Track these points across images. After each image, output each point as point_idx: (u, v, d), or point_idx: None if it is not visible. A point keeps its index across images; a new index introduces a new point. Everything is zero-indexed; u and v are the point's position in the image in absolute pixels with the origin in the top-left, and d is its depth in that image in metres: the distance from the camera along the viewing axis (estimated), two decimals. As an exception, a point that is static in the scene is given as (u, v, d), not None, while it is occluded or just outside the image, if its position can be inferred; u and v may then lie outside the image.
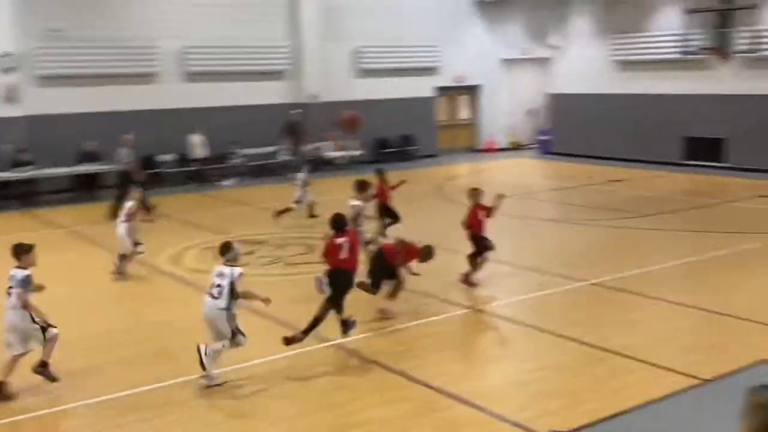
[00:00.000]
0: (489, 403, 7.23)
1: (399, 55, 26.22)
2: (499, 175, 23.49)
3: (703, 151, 22.66)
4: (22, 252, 7.77)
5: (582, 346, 8.64)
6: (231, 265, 7.86)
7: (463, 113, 29.27)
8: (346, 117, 18.57)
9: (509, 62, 28.93)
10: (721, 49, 19.12)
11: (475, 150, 29.21)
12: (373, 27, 25.87)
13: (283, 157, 24.01)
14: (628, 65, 24.61)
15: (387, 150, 26.43)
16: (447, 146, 28.54)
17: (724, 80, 22.17)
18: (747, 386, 4.04)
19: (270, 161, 23.90)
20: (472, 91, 28.98)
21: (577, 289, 10.97)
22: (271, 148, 23.86)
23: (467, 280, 11.20)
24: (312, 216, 16.41)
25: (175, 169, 22.46)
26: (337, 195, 20.66)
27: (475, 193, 11.20)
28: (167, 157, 22.25)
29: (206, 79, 22.91)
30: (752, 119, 21.49)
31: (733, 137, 21.99)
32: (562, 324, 9.40)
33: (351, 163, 25.14)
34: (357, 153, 25.15)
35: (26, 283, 7.60)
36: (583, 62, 25.88)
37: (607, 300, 10.45)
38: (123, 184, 16.50)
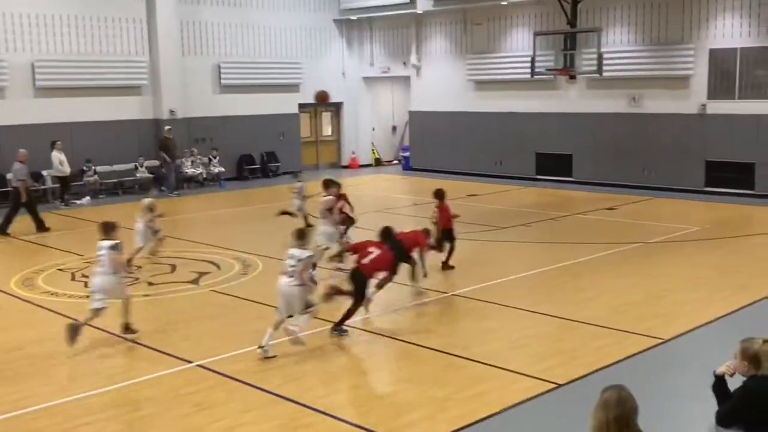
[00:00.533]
0: (354, 416, 7.29)
1: (261, 72, 26.09)
2: (363, 190, 23.73)
3: (553, 166, 23.84)
4: (109, 228, 9.59)
5: (442, 355, 8.87)
6: (302, 248, 9.03)
7: (327, 130, 29.45)
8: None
9: (370, 80, 29.40)
10: (567, 70, 20.20)
11: (339, 166, 29.43)
12: (235, 43, 25.68)
13: (143, 174, 23.33)
14: (483, 84, 25.57)
15: (250, 167, 26.19)
16: (311, 163, 28.60)
17: (570, 99, 23.50)
18: (598, 390, 4.31)
19: (127, 178, 23.15)
20: (335, 108, 29.23)
21: (438, 300, 11.25)
22: (128, 165, 23.15)
23: (446, 266, 12.88)
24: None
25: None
26: (206, 212, 20.45)
27: (440, 193, 12.93)
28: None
29: (58, 94, 21.90)
30: (596, 136, 22.87)
31: (579, 153, 23.29)
32: (424, 335, 9.62)
33: (213, 180, 24.74)
34: (218, 170, 24.77)
35: (116, 248, 9.37)
36: (440, 81, 26.66)
37: (467, 310, 10.79)
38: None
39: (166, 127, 22.83)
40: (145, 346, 9.40)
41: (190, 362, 8.76)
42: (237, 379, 8.21)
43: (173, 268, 13.44)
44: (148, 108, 23.78)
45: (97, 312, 9.43)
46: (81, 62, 22.21)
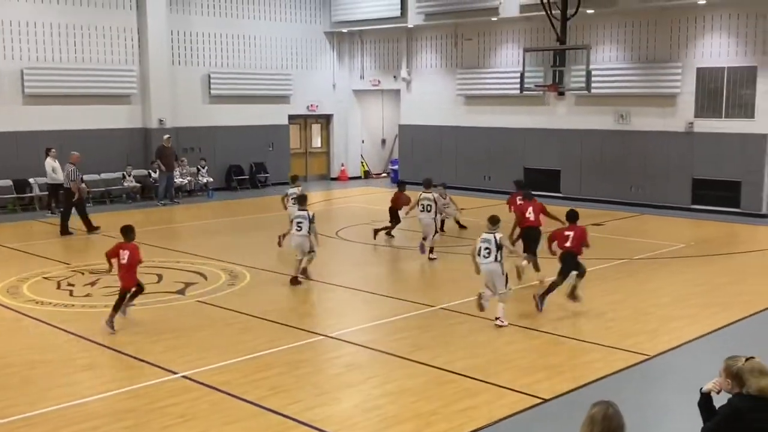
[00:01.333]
0: (340, 429, 7.25)
1: (251, 82, 26.08)
2: (352, 203, 23.75)
3: (541, 181, 23.88)
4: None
5: (430, 369, 8.85)
6: (494, 233, 10.51)
7: (316, 141, 29.46)
8: None
9: (361, 93, 29.46)
10: (556, 87, 20.29)
11: (328, 178, 29.42)
12: (225, 53, 25.68)
13: (130, 183, 23.24)
14: (472, 99, 25.66)
15: (239, 177, 26.13)
16: (299, 174, 28.45)
17: (559, 115, 23.61)
18: (583, 405, 4.29)
19: (115, 187, 23.05)
20: (324, 119, 29.25)
21: (427, 314, 11.23)
22: (116, 174, 23.06)
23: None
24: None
25: (12, 195, 21.22)
26: (194, 222, 20.33)
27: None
28: (2, 183, 21.00)
29: (47, 102, 21.79)
30: (584, 152, 22.96)
31: (567, 169, 23.38)
32: (412, 348, 9.59)
33: (201, 190, 24.68)
34: (206, 180, 24.71)
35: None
36: (430, 95, 26.74)
37: (454, 324, 10.77)
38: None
39: (165, 136, 22.70)
40: (128, 355, 9.32)
41: (174, 373, 8.69)
42: (222, 391, 8.14)
43: (159, 277, 13.36)
44: (137, 117, 23.71)
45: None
46: (70, 70, 22.14)
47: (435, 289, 12.83)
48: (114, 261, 10.45)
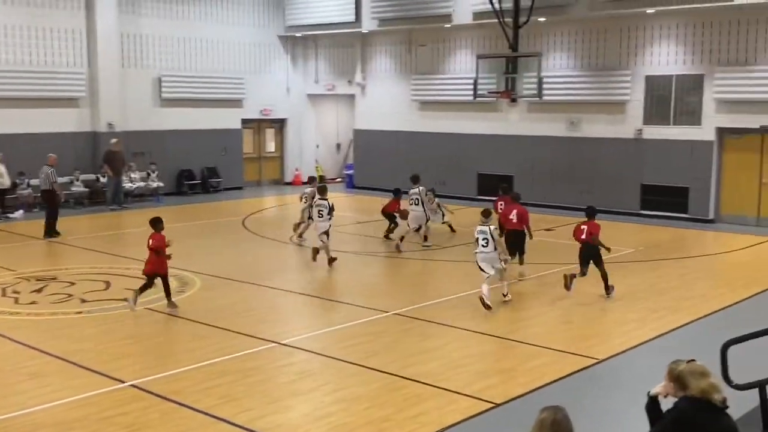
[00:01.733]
0: (292, 437, 7.21)
1: (203, 86, 25.82)
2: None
3: (494, 186, 24.05)
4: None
5: (382, 375, 8.85)
6: (488, 225, 11.86)
7: (270, 146, 29.29)
8: None
9: (315, 97, 29.39)
10: (508, 93, 20.51)
11: (282, 183, 29.27)
12: (176, 56, 25.40)
13: (78, 187, 22.82)
14: (427, 105, 25.79)
15: (190, 182, 25.84)
16: (253, 179, 28.40)
17: (511, 122, 23.86)
18: (534, 409, 4.35)
19: (63, 192, 22.57)
20: (278, 124, 29.11)
21: (379, 320, 11.24)
22: (63, 179, 22.57)
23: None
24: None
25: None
26: (144, 227, 19.87)
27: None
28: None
29: (-8, 104, 21.32)
30: (536, 158, 23.25)
31: (520, 174, 23.63)
32: (365, 355, 9.59)
33: (151, 195, 24.33)
34: (156, 185, 24.37)
35: None
36: (385, 100, 26.81)
37: (407, 329, 10.80)
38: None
39: (113, 140, 22.28)
40: (75, 364, 9.15)
41: (122, 382, 8.55)
42: (172, 400, 8.04)
43: (108, 284, 13.15)
44: (86, 121, 23.30)
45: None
46: (17, 72, 21.67)
47: (389, 294, 12.85)
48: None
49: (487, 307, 11.48)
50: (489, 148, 24.19)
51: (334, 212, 15.03)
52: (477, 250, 11.97)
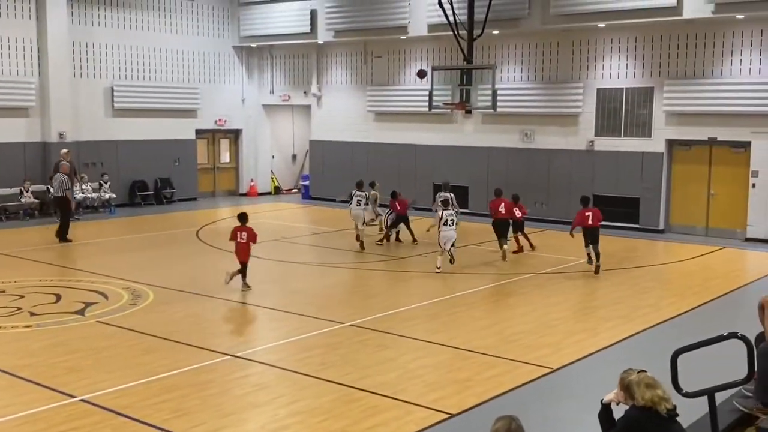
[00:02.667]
0: (247, 450, 7.13)
1: (156, 96, 25.54)
2: (262, 218, 23.46)
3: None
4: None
5: (338, 386, 8.82)
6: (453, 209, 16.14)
7: (225, 157, 29.07)
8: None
9: (271, 108, 29.27)
10: (463, 105, 20.67)
11: (237, 194, 29.06)
12: (129, 66, 25.09)
13: (28, 199, 22.34)
14: (382, 116, 25.87)
15: (143, 193, 25.49)
16: (207, 190, 28.14)
17: (466, 133, 24.06)
18: (489, 419, 4.37)
19: (11, 203, 22.10)
20: (233, 134, 28.91)
21: (335, 331, 11.20)
22: (13, 190, 22.13)
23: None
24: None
25: None
26: (95, 239, 19.64)
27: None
28: None
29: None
30: (491, 169, 23.45)
31: (474, 185, 23.82)
32: (320, 366, 9.54)
33: (103, 206, 23.92)
34: (109, 195, 23.98)
35: None
36: (341, 111, 26.82)
37: (363, 340, 10.78)
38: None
39: (63, 150, 21.70)
40: (24, 379, 8.94)
41: (73, 397, 8.37)
42: (123, 415, 7.90)
43: (58, 297, 12.89)
44: (36, 130, 22.86)
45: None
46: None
47: (346, 305, 12.82)
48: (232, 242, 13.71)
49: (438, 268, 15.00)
50: (444, 159, 24.35)
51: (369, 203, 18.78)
52: (444, 229, 15.28)
